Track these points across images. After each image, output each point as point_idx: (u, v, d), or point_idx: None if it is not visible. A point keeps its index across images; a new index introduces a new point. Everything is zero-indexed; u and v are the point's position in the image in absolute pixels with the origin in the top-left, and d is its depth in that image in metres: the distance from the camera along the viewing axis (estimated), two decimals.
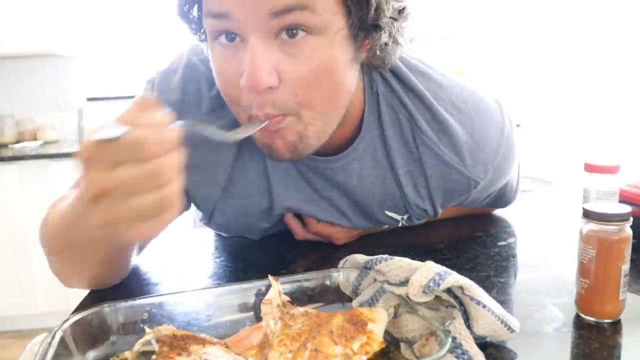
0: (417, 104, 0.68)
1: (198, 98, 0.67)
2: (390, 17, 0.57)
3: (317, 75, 0.55)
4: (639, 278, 0.64)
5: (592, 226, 0.52)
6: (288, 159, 0.61)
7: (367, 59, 0.60)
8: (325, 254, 0.77)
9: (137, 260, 0.77)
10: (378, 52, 0.59)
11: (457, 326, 0.44)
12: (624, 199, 0.76)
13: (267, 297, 0.50)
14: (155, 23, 2.98)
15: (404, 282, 0.47)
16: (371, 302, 0.52)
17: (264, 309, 0.48)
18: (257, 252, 0.81)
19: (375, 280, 0.52)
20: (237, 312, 0.52)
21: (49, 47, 2.72)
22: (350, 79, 0.60)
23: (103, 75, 3.09)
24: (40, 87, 3.05)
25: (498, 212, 0.94)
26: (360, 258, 0.55)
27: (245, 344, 0.47)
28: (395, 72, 0.68)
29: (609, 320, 0.53)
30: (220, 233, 0.89)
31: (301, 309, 0.49)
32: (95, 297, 0.64)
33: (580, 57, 2.77)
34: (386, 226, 0.81)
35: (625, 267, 0.52)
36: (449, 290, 0.47)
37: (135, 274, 0.73)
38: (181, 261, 0.81)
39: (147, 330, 0.44)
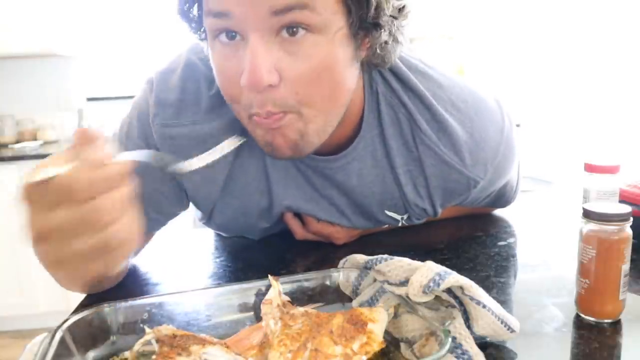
0: (417, 103, 0.68)
1: (197, 97, 0.67)
2: (391, 16, 0.57)
3: (317, 74, 0.55)
4: (639, 278, 0.64)
5: (592, 226, 0.52)
6: (289, 156, 0.61)
7: (367, 58, 0.60)
8: (325, 254, 0.77)
9: (137, 260, 0.77)
10: (378, 51, 0.59)
11: (457, 326, 0.44)
12: (624, 199, 0.76)
13: (267, 297, 0.50)
14: (155, 23, 2.98)
15: (404, 282, 0.47)
16: (371, 302, 0.52)
17: (264, 309, 0.48)
18: (257, 252, 0.81)
19: (375, 280, 0.52)
20: (237, 312, 0.52)
21: (49, 47, 2.72)
22: (351, 77, 0.60)
23: (103, 75, 3.09)
24: (40, 87, 3.05)
25: (498, 212, 0.95)
26: (360, 258, 0.55)
27: (245, 344, 0.47)
28: (395, 72, 0.68)
29: (609, 320, 0.53)
30: (220, 233, 0.89)
31: (301, 309, 0.49)
32: (95, 297, 0.64)
33: (580, 57, 2.77)
34: (386, 226, 0.81)
35: (625, 267, 0.52)
36: (449, 290, 0.47)
37: (135, 274, 0.73)
38: (181, 261, 0.81)
39: (147, 330, 0.44)
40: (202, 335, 0.46)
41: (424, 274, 0.46)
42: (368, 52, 0.60)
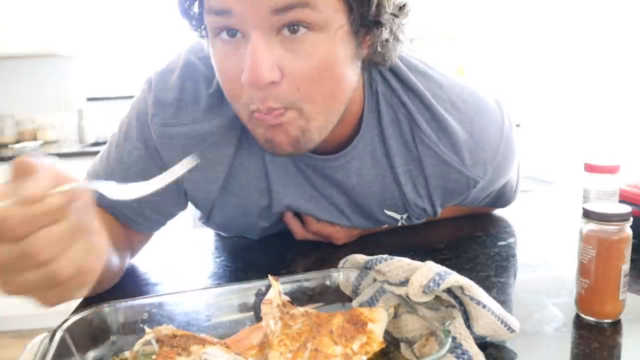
0: (417, 103, 0.68)
1: (196, 96, 0.67)
2: (391, 14, 0.57)
3: (318, 72, 0.55)
4: (639, 278, 0.64)
5: (592, 226, 0.52)
6: (289, 153, 0.61)
7: (368, 56, 0.60)
8: (325, 254, 0.77)
9: (137, 260, 0.77)
10: (379, 49, 0.59)
11: (457, 326, 0.44)
12: (624, 199, 0.76)
13: (267, 297, 0.50)
14: (155, 23, 2.98)
15: (404, 282, 0.47)
16: (371, 302, 0.52)
17: (264, 309, 0.48)
18: (257, 252, 0.81)
19: (375, 280, 0.52)
20: (237, 312, 0.52)
21: (49, 47, 2.72)
22: (351, 75, 0.60)
23: (103, 75, 3.09)
24: (40, 87, 3.06)
25: (498, 212, 0.95)
26: (360, 258, 0.55)
27: (245, 344, 0.47)
28: (395, 72, 0.68)
29: (609, 320, 0.53)
30: (220, 232, 0.89)
31: (301, 309, 0.49)
32: (95, 297, 0.64)
33: (580, 57, 2.77)
34: (386, 226, 0.81)
35: (625, 267, 0.52)
36: (449, 290, 0.47)
37: (134, 274, 0.73)
38: (181, 261, 0.81)
39: (147, 330, 0.44)
40: (202, 335, 0.46)
41: (424, 274, 0.46)
42: (369, 50, 0.60)
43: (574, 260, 0.55)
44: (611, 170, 0.73)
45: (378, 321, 0.45)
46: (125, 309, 0.49)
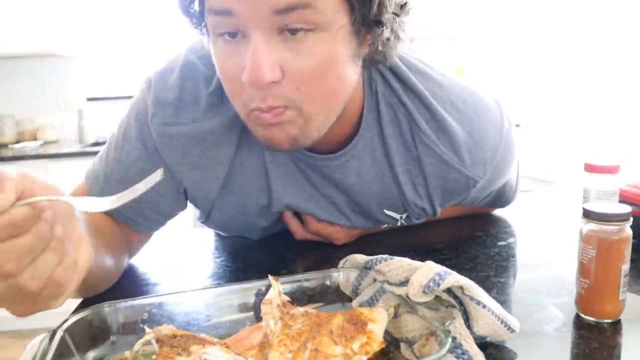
0: (416, 103, 0.68)
1: (196, 96, 0.67)
2: (393, 13, 0.57)
3: (319, 71, 0.55)
4: (639, 278, 0.64)
5: (592, 226, 0.52)
6: (287, 150, 0.61)
7: (369, 54, 0.60)
8: (325, 254, 0.77)
9: (137, 260, 0.77)
10: (380, 48, 0.59)
11: (457, 326, 0.44)
12: (624, 199, 0.76)
13: (267, 297, 0.50)
14: (155, 23, 2.98)
15: (404, 282, 0.47)
16: (371, 302, 0.52)
17: (264, 309, 0.48)
18: (257, 252, 0.81)
19: (375, 280, 0.52)
20: (237, 312, 0.52)
21: (49, 47, 2.72)
22: (352, 74, 0.60)
23: (103, 75, 3.09)
24: (40, 87, 3.06)
25: (498, 212, 0.95)
26: (360, 258, 0.55)
27: (245, 344, 0.47)
28: (394, 71, 0.68)
29: (609, 320, 0.53)
30: (220, 232, 0.89)
31: (301, 309, 0.49)
32: (95, 297, 0.64)
33: (580, 57, 2.77)
34: (385, 226, 0.81)
35: (625, 267, 0.52)
36: (449, 290, 0.47)
37: (134, 274, 0.73)
38: (181, 261, 0.81)
39: (147, 330, 0.44)
40: (202, 335, 0.46)
41: (424, 274, 0.46)
42: (370, 49, 0.60)
43: (574, 260, 0.55)
44: (611, 170, 0.73)
45: (378, 321, 0.45)
46: (125, 309, 0.49)
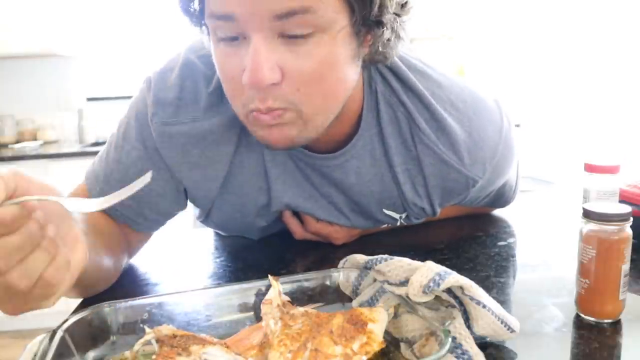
0: (416, 102, 0.68)
1: (196, 95, 0.67)
2: (394, 13, 0.57)
3: (319, 73, 0.55)
4: (639, 278, 0.64)
5: (592, 226, 0.52)
6: (283, 149, 0.62)
7: (369, 55, 0.60)
8: (325, 253, 0.77)
9: (137, 260, 0.77)
10: (380, 48, 0.59)
11: (457, 326, 0.44)
12: (624, 199, 0.76)
13: (267, 297, 0.50)
14: (155, 23, 2.98)
15: (404, 282, 0.47)
16: (371, 302, 0.51)
17: (264, 309, 0.48)
18: (257, 252, 0.81)
19: (375, 280, 0.52)
20: (237, 312, 0.52)
21: (49, 47, 2.72)
22: (352, 74, 0.60)
23: (103, 75, 3.09)
24: (40, 87, 3.06)
25: (498, 212, 0.95)
26: (360, 258, 0.55)
27: (245, 344, 0.47)
28: (394, 71, 0.68)
29: (609, 320, 0.53)
30: (219, 232, 0.89)
31: (301, 309, 0.49)
32: (95, 297, 0.64)
33: (580, 57, 2.77)
34: (385, 225, 0.81)
35: (625, 267, 0.52)
36: (449, 290, 0.47)
37: (134, 274, 0.73)
38: (181, 261, 0.81)
39: (147, 330, 0.44)
40: (202, 335, 0.46)
41: (424, 274, 0.46)
42: (370, 49, 0.60)
43: (574, 260, 0.55)
44: (611, 170, 0.73)
45: (378, 321, 0.45)
46: (125, 309, 0.49)
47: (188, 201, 0.76)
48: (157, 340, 0.43)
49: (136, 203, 0.69)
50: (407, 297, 0.46)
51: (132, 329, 0.48)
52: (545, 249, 0.77)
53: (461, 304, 0.47)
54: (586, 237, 0.52)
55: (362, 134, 0.69)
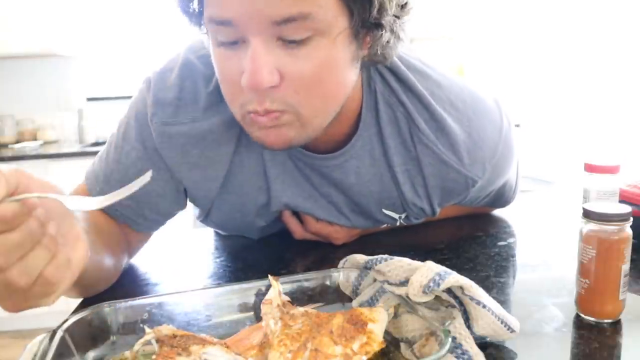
0: (415, 102, 0.68)
1: (195, 95, 0.67)
2: (393, 15, 0.57)
3: (318, 75, 0.55)
4: (639, 278, 0.64)
5: (592, 226, 0.52)
6: (280, 149, 0.62)
7: (368, 56, 0.60)
8: (325, 253, 0.77)
9: (137, 260, 0.77)
10: (380, 50, 0.59)
11: (457, 326, 0.44)
12: (624, 199, 0.76)
13: (267, 297, 0.50)
14: (155, 23, 2.98)
15: (404, 282, 0.47)
16: (371, 302, 0.51)
17: (264, 309, 0.48)
18: (256, 252, 0.81)
19: (375, 280, 0.52)
20: (237, 312, 0.52)
21: (49, 47, 2.72)
22: (351, 76, 0.60)
23: (103, 75, 3.09)
24: (40, 87, 3.06)
25: (498, 212, 0.95)
26: (360, 258, 0.55)
27: (245, 344, 0.47)
28: (394, 71, 0.68)
29: (609, 320, 0.53)
30: (219, 231, 0.89)
31: (301, 309, 0.49)
32: (95, 297, 0.64)
33: (580, 57, 2.77)
34: (385, 225, 0.81)
35: (625, 267, 0.52)
36: (449, 290, 0.47)
37: (134, 274, 0.73)
38: (181, 261, 0.81)
39: (147, 330, 0.44)
40: (202, 335, 0.46)
41: (424, 274, 0.46)
42: (369, 51, 0.60)
43: (574, 260, 0.55)
44: (611, 170, 0.73)
45: (378, 321, 0.45)
46: (125, 309, 0.49)
47: (188, 201, 0.76)
48: (157, 340, 0.43)
49: (136, 203, 0.69)
50: (407, 297, 0.46)
51: (132, 329, 0.48)
52: (545, 249, 0.77)
53: (461, 304, 0.47)
54: (586, 237, 0.52)
55: (361, 134, 0.69)
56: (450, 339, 0.40)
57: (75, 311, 0.52)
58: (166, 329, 0.44)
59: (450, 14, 3.04)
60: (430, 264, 0.47)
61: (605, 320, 0.53)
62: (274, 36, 0.52)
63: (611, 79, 2.61)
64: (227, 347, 0.44)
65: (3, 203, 0.36)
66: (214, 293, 0.52)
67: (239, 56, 0.54)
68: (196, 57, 0.68)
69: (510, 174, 0.78)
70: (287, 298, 0.52)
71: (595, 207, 0.52)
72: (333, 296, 0.55)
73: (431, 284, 0.45)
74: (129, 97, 0.73)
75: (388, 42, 0.59)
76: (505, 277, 0.66)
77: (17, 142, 2.93)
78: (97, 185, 0.70)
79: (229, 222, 0.78)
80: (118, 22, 3.03)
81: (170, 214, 0.75)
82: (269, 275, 0.52)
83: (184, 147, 0.68)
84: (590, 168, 0.74)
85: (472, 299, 0.46)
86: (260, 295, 0.52)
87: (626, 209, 0.51)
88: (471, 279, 0.47)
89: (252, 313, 0.52)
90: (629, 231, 0.51)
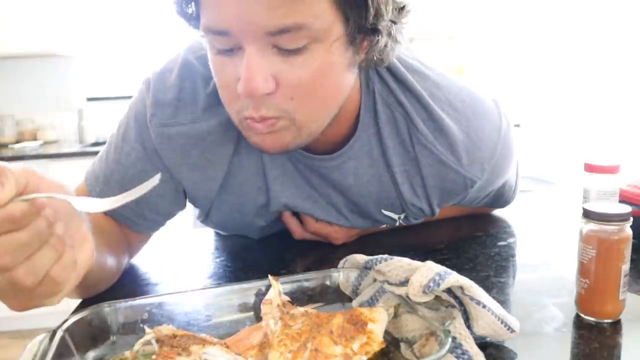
0: (414, 103, 0.68)
1: (195, 96, 0.67)
2: (390, 20, 0.57)
3: (313, 82, 0.55)
4: (639, 278, 0.64)
5: (592, 226, 0.52)
6: (277, 153, 0.62)
7: (365, 60, 0.60)
8: (325, 253, 0.77)
9: (137, 260, 0.77)
10: (377, 54, 0.59)
11: (457, 326, 0.44)
12: (624, 199, 0.76)
13: (267, 297, 0.50)
14: (155, 23, 2.98)
15: (404, 282, 0.47)
16: (371, 302, 0.52)
17: (264, 309, 0.48)
18: (256, 252, 0.81)
19: (375, 280, 0.52)
20: (237, 312, 0.52)
21: (49, 47, 2.72)
22: (348, 81, 0.60)
23: (103, 75, 3.09)
24: (40, 87, 3.05)
25: (498, 212, 0.94)
26: (360, 258, 0.55)
27: (245, 344, 0.47)
28: (392, 72, 0.68)
29: (609, 320, 0.53)
30: (219, 231, 0.89)
31: (301, 309, 0.49)
32: (95, 297, 0.64)
33: (580, 57, 2.77)
34: (384, 226, 0.81)
35: (625, 267, 0.52)
36: (449, 290, 0.47)
37: (134, 274, 0.73)
38: (181, 261, 0.81)
39: (147, 330, 0.44)
40: (202, 335, 0.46)
41: (424, 274, 0.46)
42: (367, 56, 0.60)
43: (574, 260, 0.55)
44: (611, 170, 0.73)
45: (378, 321, 0.45)
46: (125, 309, 0.49)
47: (187, 201, 0.76)
48: (157, 340, 0.43)
49: (136, 204, 0.69)
50: (407, 297, 0.46)
51: (132, 329, 0.48)
52: (545, 249, 0.77)
53: (461, 304, 0.47)
54: (586, 237, 0.52)
55: (360, 135, 0.69)
56: (450, 339, 0.40)
57: (75, 311, 0.52)
58: (166, 329, 0.44)
59: (450, 14, 3.04)
60: (430, 264, 0.47)
61: (605, 320, 0.53)
62: (269, 44, 0.53)
63: (611, 79, 2.61)
64: (227, 347, 0.44)
65: (12, 202, 0.36)
66: (214, 293, 0.52)
67: (235, 63, 0.54)
68: (195, 57, 0.68)
69: (510, 174, 0.78)
70: (287, 298, 0.52)
71: (595, 207, 0.52)
72: (333, 296, 0.55)
73: (431, 284, 0.45)
74: (129, 97, 0.73)
75: (385, 46, 0.59)
76: (505, 277, 0.66)
77: (17, 142, 2.93)
78: (96, 185, 0.70)
79: (229, 222, 0.78)
80: (118, 22, 3.03)
81: (170, 215, 0.75)
82: (269, 275, 0.52)
83: (184, 147, 0.68)
84: (590, 168, 0.74)
85: (472, 299, 0.46)
86: (260, 295, 0.52)
87: (626, 209, 0.51)
88: (471, 279, 0.47)
89: (252, 313, 0.52)
90: (629, 231, 0.51)
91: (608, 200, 0.73)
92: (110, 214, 0.70)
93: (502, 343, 0.49)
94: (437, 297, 0.48)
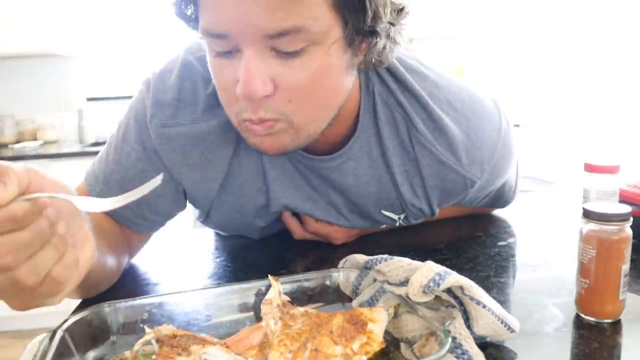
0: (413, 103, 0.68)
1: (195, 96, 0.67)
2: (388, 22, 0.57)
3: (311, 85, 0.55)
4: (639, 278, 0.64)
5: (592, 226, 0.52)
6: (275, 155, 0.62)
7: (364, 62, 0.60)
8: (325, 253, 0.77)
9: (137, 260, 0.77)
10: (376, 56, 0.59)
11: (457, 326, 0.44)
12: (624, 199, 0.76)
13: (267, 297, 0.50)
14: (155, 23, 2.98)
15: (404, 282, 0.47)
16: (371, 302, 0.52)
17: (264, 309, 0.48)
18: (256, 252, 0.81)
19: (375, 280, 0.52)
20: (237, 312, 0.52)
21: (49, 47, 2.72)
22: (346, 83, 0.60)
23: (103, 75, 3.09)
24: (40, 87, 3.05)
25: (498, 212, 0.94)
26: (360, 258, 0.55)
27: (245, 344, 0.47)
28: (391, 72, 0.68)
29: (609, 320, 0.53)
30: (219, 232, 0.89)
31: (301, 309, 0.49)
32: (96, 297, 0.64)
33: (580, 57, 2.77)
34: (384, 226, 0.81)
35: (625, 267, 0.52)
36: (449, 290, 0.47)
37: (134, 274, 0.73)
38: (181, 261, 0.81)
39: (147, 330, 0.44)
40: (202, 335, 0.46)
41: (424, 274, 0.46)
42: (365, 58, 0.60)
43: (574, 260, 0.55)
44: (611, 170, 0.73)
45: (378, 321, 0.45)
46: (125, 309, 0.49)
47: (187, 202, 0.76)
48: (157, 340, 0.43)
49: (136, 204, 0.69)
50: (407, 297, 0.46)
51: (132, 329, 0.48)
52: (545, 249, 0.77)
53: (461, 304, 0.47)
54: (586, 237, 0.52)
55: (359, 135, 0.69)
56: (450, 339, 0.40)
57: (76, 311, 0.52)
58: (166, 329, 0.44)
59: (450, 14, 3.04)
60: (430, 264, 0.47)
61: (605, 320, 0.53)
62: (267, 47, 0.53)
63: (611, 80, 2.61)
64: (227, 347, 0.44)
65: (14, 202, 0.36)
66: (214, 293, 0.52)
67: (233, 65, 0.54)
68: (195, 58, 0.68)
69: (510, 174, 0.78)
70: (287, 298, 0.52)
71: (595, 207, 0.52)
72: (333, 296, 0.55)
73: (431, 284, 0.45)
74: (129, 97, 0.73)
75: (384, 48, 0.59)
76: (505, 277, 0.66)
77: (17, 142, 2.93)
78: (96, 185, 0.70)
79: (229, 222, 0.78)
80: (118, 22, 3.03)
81: (169, 215, 0.75)
82: (269, 275, 0.52)
83: (184, 148, 0.68)
84: (590, 168, 0.74)
85: (472, 299, 0.46)
86: (260, 295, 0.52)
87: (626, 209, 0.51)
88: (471, 279, 0.47)
89: (252, 313, 0.52)
90: (629, 231, 0.51)
91: (608, 200, 0.73)
92: (110, 214, 0.70)
93: (502, 343, 0.49)
94: (437, 297, 0.48)
